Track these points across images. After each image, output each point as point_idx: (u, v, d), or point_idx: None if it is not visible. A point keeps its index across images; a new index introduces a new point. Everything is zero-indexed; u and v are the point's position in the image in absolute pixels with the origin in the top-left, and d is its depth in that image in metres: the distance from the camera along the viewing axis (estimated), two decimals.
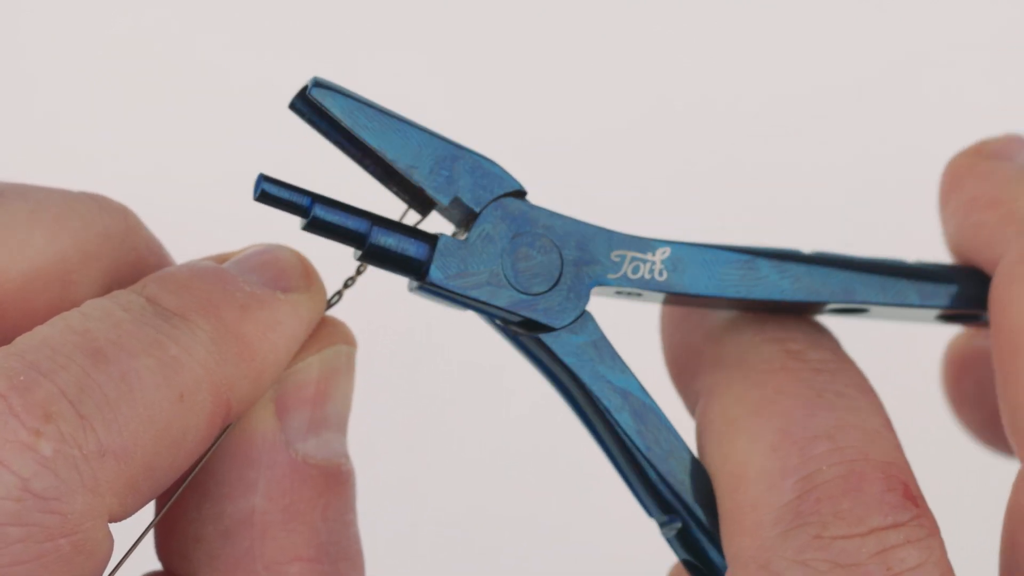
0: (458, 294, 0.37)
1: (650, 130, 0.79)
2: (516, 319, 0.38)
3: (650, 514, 0.39)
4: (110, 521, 0.34)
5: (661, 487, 0.38)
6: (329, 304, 0.39)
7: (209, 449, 0.37)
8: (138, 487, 0.34)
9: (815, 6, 0.80)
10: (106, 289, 0.37)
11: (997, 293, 0.39)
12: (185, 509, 0.38)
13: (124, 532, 0.37)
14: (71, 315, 0.35)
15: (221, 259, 0.39)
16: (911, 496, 0.36)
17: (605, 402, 0.38)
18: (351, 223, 0.37)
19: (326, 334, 0.39)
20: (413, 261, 0.37)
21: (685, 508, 0.38)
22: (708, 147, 0.80)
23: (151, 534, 0.39)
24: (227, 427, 0.37)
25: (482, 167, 0.38)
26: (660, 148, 0.79)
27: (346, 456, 0.39)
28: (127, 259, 0.38)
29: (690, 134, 0.80)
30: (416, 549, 0.69)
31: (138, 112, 0.78)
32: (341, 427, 0.39)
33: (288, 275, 0.38)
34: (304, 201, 0.36)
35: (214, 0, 0.80)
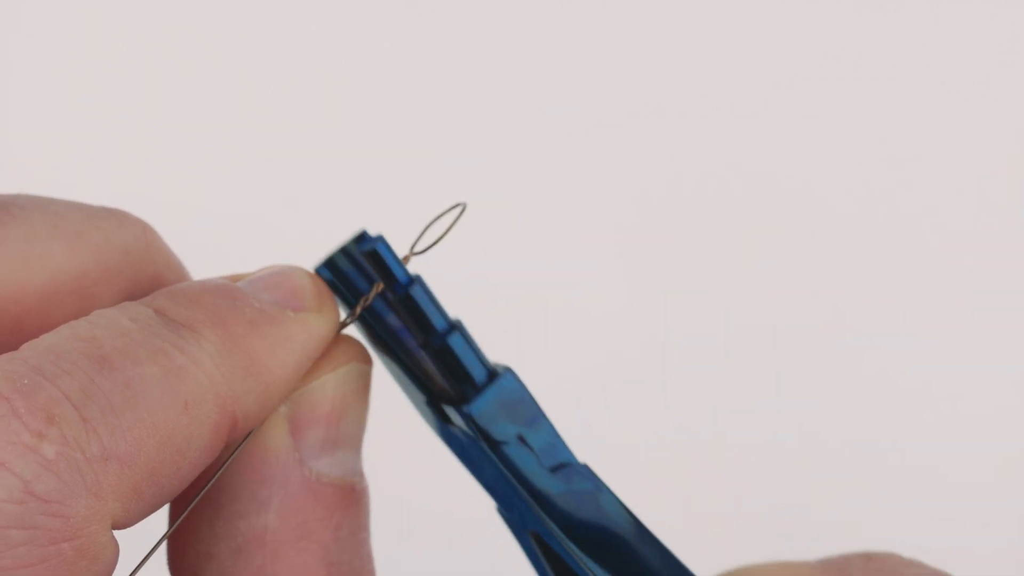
0: (488, 437, 0.38)
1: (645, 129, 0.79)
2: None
3: None
4: (114, 527, 0.34)
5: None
6: (344, 324, 0.39)
7: (223, 465, 0.37)
8: (141, 493, 0.34)
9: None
10: None
11: None
12: (197, 526, 0.38)
13: (136, 546, 0.37)
14: (78, 323, 0.35)
15: (235, 279, 0.39)
16: None
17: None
18: (436, 316, 0.37)
19: (341, 352, 0.39)
20: (471, 379, 0.38)
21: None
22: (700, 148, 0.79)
23: (162, 551, 0.39)
24: (241, 443, 0.37)
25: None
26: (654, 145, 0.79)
27: (360, 474, 0.39)
28: (146, 275, 0.39)
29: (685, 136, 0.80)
30: (422, 563, 0.69)
31: (161, 127, 0.78)
32: (356, 445, 0.39)
33: (300, 295, 0.38)
34: (402, 276, 0.37)
35: (229, 8, 0.80)
